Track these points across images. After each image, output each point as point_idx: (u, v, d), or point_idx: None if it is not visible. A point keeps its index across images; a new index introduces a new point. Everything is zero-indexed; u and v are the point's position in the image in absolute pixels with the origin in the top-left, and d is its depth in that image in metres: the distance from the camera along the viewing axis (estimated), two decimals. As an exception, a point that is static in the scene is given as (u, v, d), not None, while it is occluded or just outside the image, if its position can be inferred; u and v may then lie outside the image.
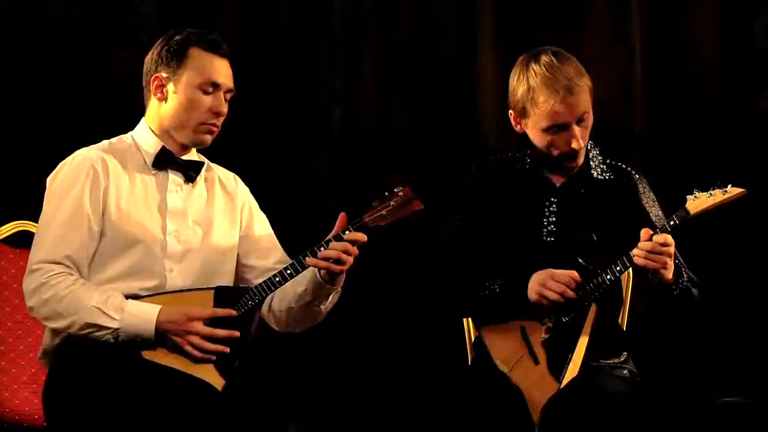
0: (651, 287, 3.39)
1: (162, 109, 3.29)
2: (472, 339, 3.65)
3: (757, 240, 4.50)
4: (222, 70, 3.28)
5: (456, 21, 4.61)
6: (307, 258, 3.18)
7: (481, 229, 3.51)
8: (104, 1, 4.55)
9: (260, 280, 3.29)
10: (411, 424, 4.09)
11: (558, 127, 3.39)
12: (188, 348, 3.10)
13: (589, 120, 3.44)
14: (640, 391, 3.42)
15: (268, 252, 3.41)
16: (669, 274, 3.31)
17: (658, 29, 4.59)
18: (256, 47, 4.61)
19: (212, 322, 3.15)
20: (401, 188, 3.25)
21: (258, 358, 3.25)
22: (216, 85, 3.27)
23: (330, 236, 3.20)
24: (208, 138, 3.30)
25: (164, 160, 3.30)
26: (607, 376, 3.36)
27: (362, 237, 3.19)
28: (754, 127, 4.54)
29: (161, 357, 3.12)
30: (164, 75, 3.26)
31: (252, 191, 3.50)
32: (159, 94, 3.27)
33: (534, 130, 3.44)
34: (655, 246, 3.26)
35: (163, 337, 3.11)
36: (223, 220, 3.37)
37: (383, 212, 3.22)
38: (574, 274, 3.34)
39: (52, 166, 3.28)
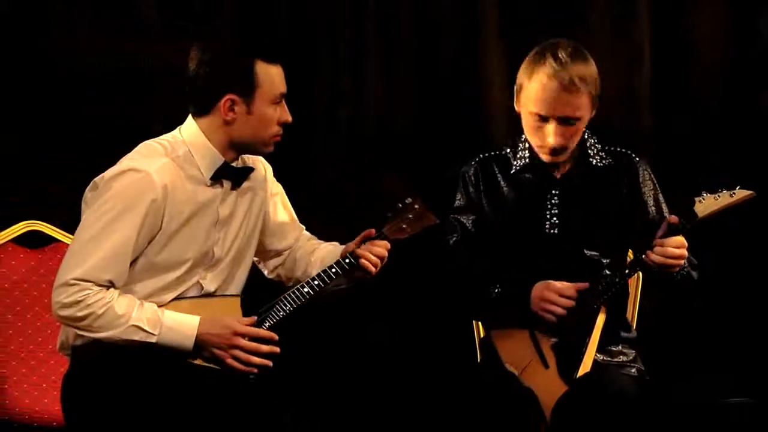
0: (653, 275, 3.42)
1: (230, 128, 3.11)
2: (482, 336, 3.64)
3: (760, 239, 4.50)
4: (283, 79, 3.16)
5: (458, 20, 4.61)
6: (350, 260, 3.21)
7: (483, 225, 3.50)
8: (104, 2, 4.53)
9: (274, 262, 3.34)
10: (420, 421, 4.08)
11: (539, 117, 3.36)
12: (230, 361, 3.06)
13: (579, 125, 3.38)
14: (649, 389, 3.42)
15: (286, 232, 3.40)
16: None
17: (661, 28, 4.60)
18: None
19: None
20: (411, 200, 3.29)
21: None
22: (283, 95, 3.16)
23: (352, 248, 3.23)
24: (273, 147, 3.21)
25: (222, 173, 3.15)
26: (617, 374, 3.35)
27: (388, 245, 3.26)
28: (757, 126, 4.55)
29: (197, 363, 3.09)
30: (236, 97, 3.08)
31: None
32: (230, 115, 3.09)
33: (524, 110, 3.41)
34: (671, 251, 3.28)
35: (203, 348, 3.06)
36: (257, 217, 3.29)
37: (402, 225, 3.27)
38: (578, 284, 3.34)
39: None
